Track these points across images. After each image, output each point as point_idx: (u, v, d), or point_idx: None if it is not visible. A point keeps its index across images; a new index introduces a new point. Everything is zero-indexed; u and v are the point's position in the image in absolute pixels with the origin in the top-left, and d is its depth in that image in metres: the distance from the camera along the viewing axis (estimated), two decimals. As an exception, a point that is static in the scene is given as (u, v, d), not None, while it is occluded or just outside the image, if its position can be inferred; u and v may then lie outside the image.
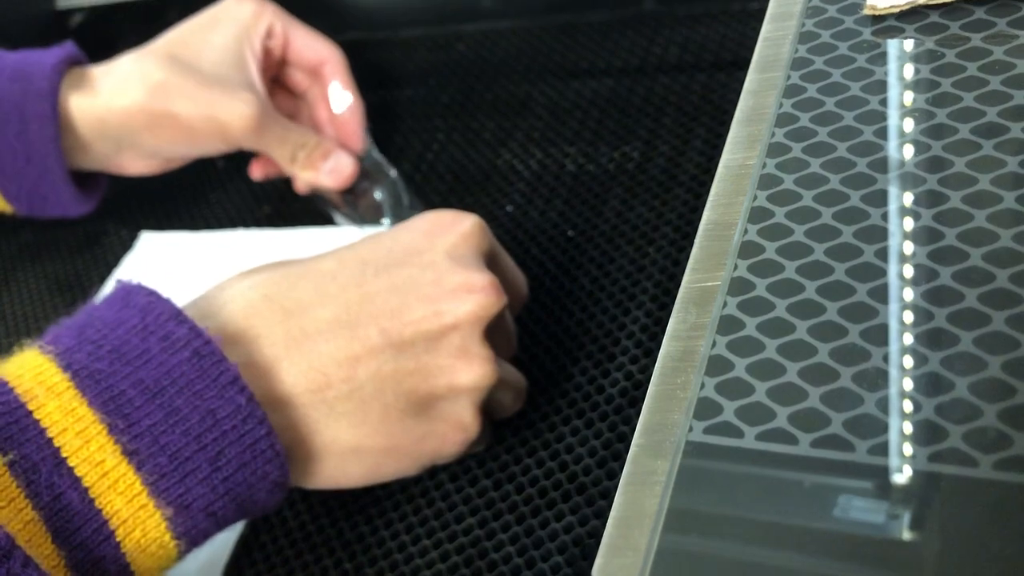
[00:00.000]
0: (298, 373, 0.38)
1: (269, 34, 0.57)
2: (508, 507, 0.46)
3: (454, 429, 0.42)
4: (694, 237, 0.51)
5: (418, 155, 0.64)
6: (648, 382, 0.47)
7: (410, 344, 0.39)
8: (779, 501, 0.27)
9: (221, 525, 0.37)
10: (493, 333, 0.43)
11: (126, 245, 0.67)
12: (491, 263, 0.44)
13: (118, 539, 0.34)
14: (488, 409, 0.45)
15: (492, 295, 0.41)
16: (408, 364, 0.39)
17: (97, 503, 0.33)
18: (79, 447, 0.33)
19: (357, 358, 0.39)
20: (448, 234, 0.42)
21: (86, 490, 0.33)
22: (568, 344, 0.50)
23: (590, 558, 0.43)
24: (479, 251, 0.42)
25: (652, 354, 0.48)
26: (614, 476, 0.45)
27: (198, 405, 0.35)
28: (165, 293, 0.39)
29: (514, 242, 0.56)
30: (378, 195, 0.59)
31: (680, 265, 0.51)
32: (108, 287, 0.64)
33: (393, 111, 0.63)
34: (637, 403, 0.47)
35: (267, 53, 0.58)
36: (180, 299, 0.39)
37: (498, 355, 0.43)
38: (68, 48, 0.58)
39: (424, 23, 0.73)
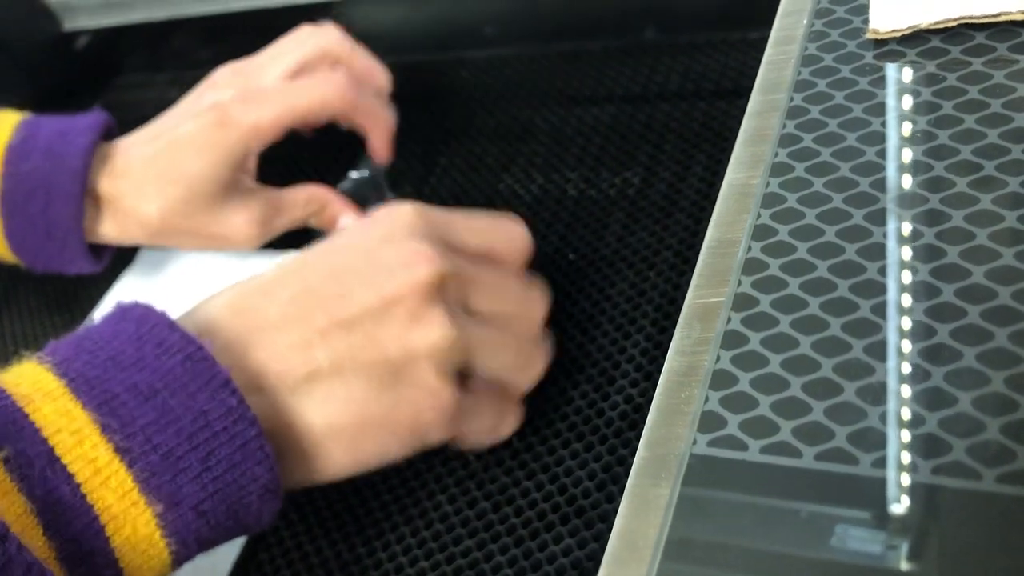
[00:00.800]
0: (259, 366, 0.40)
1: (263, 133, 0.57)
2: (507, 530, 0.46)
3: (424, 396, 0.41)
4: (695, 261, 0.52)
5: (420, 179, 0.64)
6: (649, 406, 0.47)
7: (357, 322, 0.40)
8: (782, 518, 0.27)
9: (213, 529, 0.37)
10: (493, 296, 0.45)
11: (126, 261, 0.68)
12: (448, 236, 0.45)
13: (108, 534, 0.34)
14: (506, 385, 0.46)
15: (429, 262, 0.41)
16: (359, 339, 0.40)
17: (89, 499, 0.34)
18: (72, 445, 0.34)
19: (309, 343, 0.40)
20: (380, 224, 0.44)
21: (78, 486, 0.34)
22: (568, 367, 0.50)
23: (589, 580, 0.43)
24: (416, 231, 0.43)
25: (653, 377, 0.48)
26: (613, 500, 0.45)
27: (190, 406, 0.36)
28: (160, 308, 0.40)
29: (515, 266, 0.56)
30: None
31: (681, 289, 0.51)
32: (107, 302, 0.64)
33: (395, 135, 0.63)
34: (637, 427, 0.47)
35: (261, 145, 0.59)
36: (174, 315, 0.41)
37: (509, 312, 0.45)
38: (101, 120, 0.59)
39: (427, 49, 0.74)
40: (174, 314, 0.40)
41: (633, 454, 0.45)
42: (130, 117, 0.64)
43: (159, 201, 0.57)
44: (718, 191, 0.54)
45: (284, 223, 0.59)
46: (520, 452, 0.48)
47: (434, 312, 0.41)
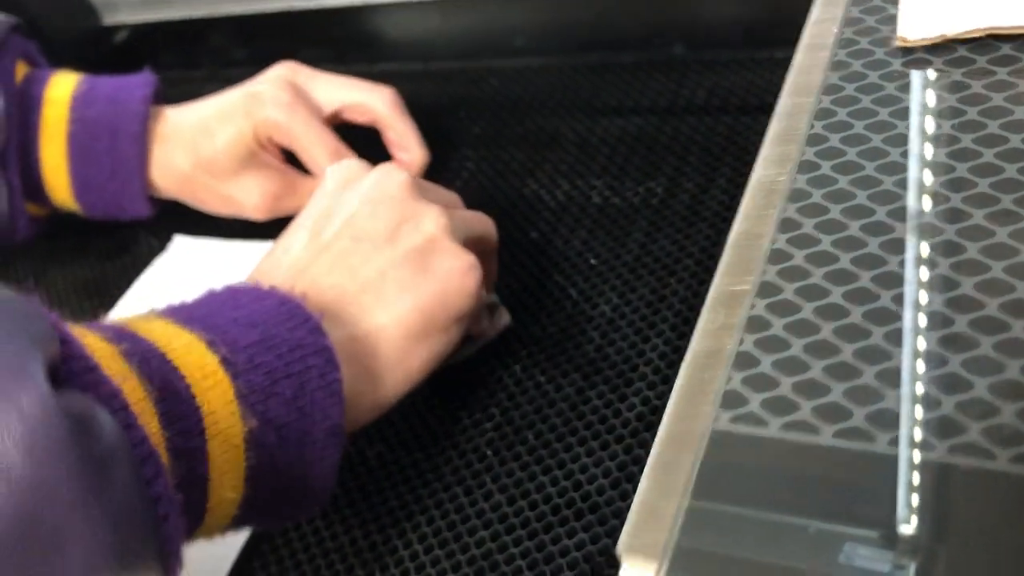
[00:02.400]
0: (318, 302, 0.43)
1: (274, 130, 0.62)
2: (521, 523, 0.46)
3: (454, 263, 0.46)
4: (715, 270, 0.52)
5: (447, 183, 0.65)
6: (665, 408, 0.48)
7: (381, 241, 0.46)
8: (801, 486, 0.27)
9: (284, 455, 0.40)
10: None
11: (155, 252, 0.69)
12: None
13: (207, 436, 0.37)
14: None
15: (391, 171, 0.48)
16: (388, 249, 0.45)
17: (198, 399, 0.37)
18: (183, 353, 0.37)
19: (352, 267, 0.45)
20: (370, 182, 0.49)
21: (189, 386, 0.37)
22: (587, 369, 0.51)
23: (600, 575, 0.43)
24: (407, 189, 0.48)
25: (670, 381, 0.49)
26: (627, 498, 0.45)
27: (288, 338, 0.39)
28: (192, 296, 0.43)
29: (537, 268, 0.57)
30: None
31: (701, 297, 0.52)
32: (137, 287, 0.66)
33: (424, 140, 0.64)
34: (654, 428, 0.47)
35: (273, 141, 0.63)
36: None
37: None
38: (154, 78, 0.65)
39: (457, 57, 0.75)
40: None
41: (649, 455, 0.46)
42: (166, 111, 0.66)
43: (193, 155, 0.63)
44: (740, 203, 0.56)
45: (294, 205, 0.63)
46: (537, 448, 0.49)
47: (427, 202, 0.47)
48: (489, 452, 0.50)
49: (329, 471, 0.42)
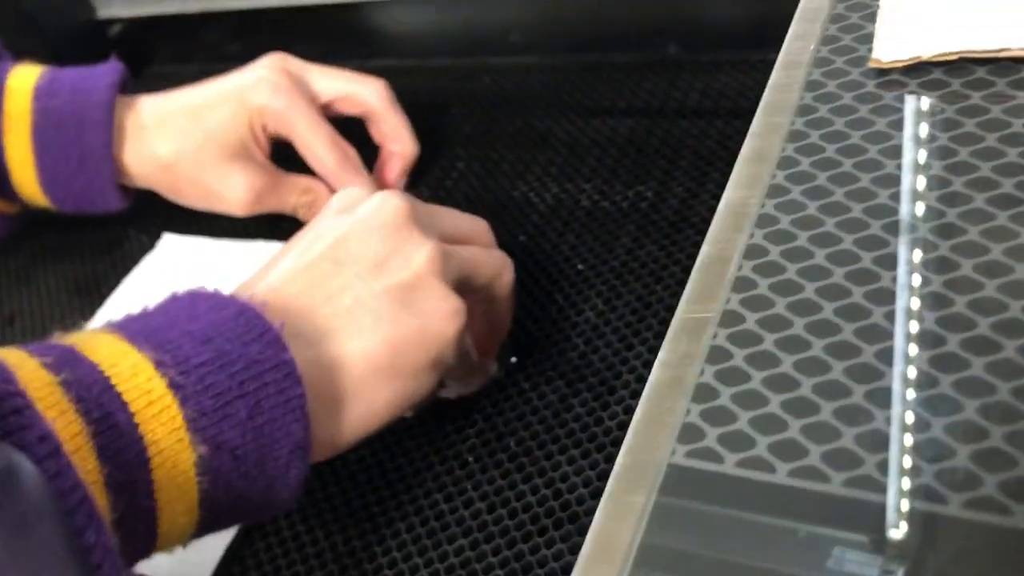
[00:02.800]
0: (293, 321, 0.41)
1: (271, 117, 0.61)
2: (500, 531, 0.46)
3: (438, 306, 0.44)
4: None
5: (437, 181, 0.65)
6: (646, 417, 0.48)
7: (368, 268, 0.44)
8: (755, 524, 0.27)
9: (242, 477, 0.38)
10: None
11: (145, 249, 0.69)
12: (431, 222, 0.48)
13: (152, 467, 0.35)
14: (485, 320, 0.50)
15: (391, 197, 0.46)
16: (371, 277, 0.43)
17: (140, 429, 0.35)
18: (128, 376, 0.36)
19: (332, 292, 0.43)
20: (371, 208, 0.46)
21: (132, 415, 0.35)
22: (571, 376, 0.51)
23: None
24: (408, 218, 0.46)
25: (652, 389, 0.49)
26: (607, 507, 0.45)
27: (244, 354, 0.37)
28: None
29: (524, 272, 0.57)
30: None
31: (685, 305, 0.52)
32: (125, 286, 0.66)
33: (416, 136, 0.64)
34: (634, 436, 0.47)
35: (267, 131, 0.62)
36: None
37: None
38: (120, 68, 0.64)
39: (451, 54, 0.75)
40: None
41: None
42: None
43: (177, 143, 0.61)
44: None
45: (277, 203, 0.62)
46: (518, 455, 0.49)
47: (423, 236, 0.45)
48: (471, 459, 0.50)
49: (295, 484, 0.41)
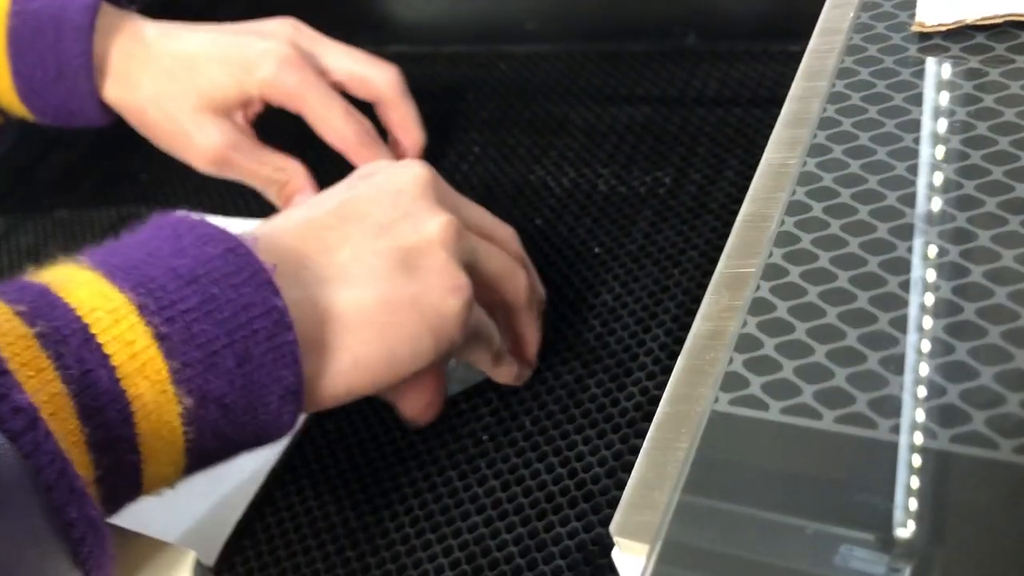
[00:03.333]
0: (288, 264, 0.39)
1: (279, 91, 0.58)
2: (514, 508, 0.46)
3: (442, 278, 0.42)
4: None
5: (453, 165, 0.65)
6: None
7: (374, 225, 0.42)
8: (799, 471, 0.27)
9: (231, 424, 0.36)
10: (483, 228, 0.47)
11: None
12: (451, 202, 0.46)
13: (135, 421, 0.33)
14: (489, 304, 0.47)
15: (414, 165, 0.45)
16: (377, 234, 0.42)
17: (123, 384, 0.33)
18: (109, 325, 0.33)
19: (332, 243, 0.41)
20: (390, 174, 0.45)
21: (114, 370, 0.33)
22: (587, 357, 0.51)
23: (592, 563, 0.43)
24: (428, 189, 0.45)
25: (670, 372, 0.48)
26: (622, 486, 0.45)
27: (233, 298, 0.35)
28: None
29: (540, 255, 0.56)
30: None
31: (704, 289, 0.51)
32: None
33: (431, 122, 0.64)
34: (652, 418, 0.47)
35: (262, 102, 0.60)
36: None
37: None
38: None
39: (467, 41, 0.75)
40: None
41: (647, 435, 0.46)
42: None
43: (161, 85, 0.58)
44: (759, 164, 0.55)
45: (246, 168, 0.59)
46: (533, 435, 0.48)
47: (440, 208, 0.43)
48: (485, 437, 0.49)
49: (287, 426, 0.38)
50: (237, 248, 0.36)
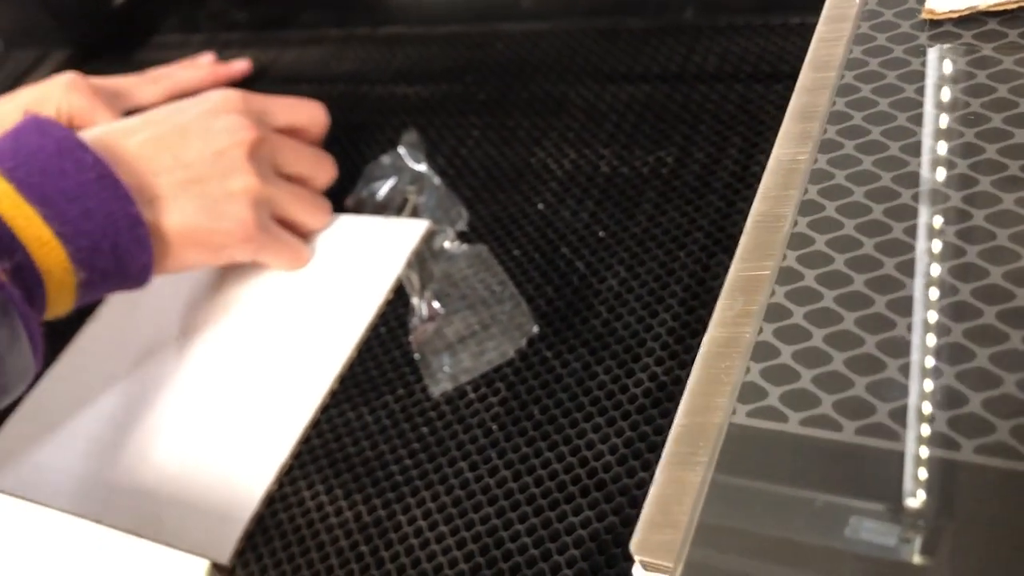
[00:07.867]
0: (132, 186, 0.53)
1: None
2: (526, 499, 0.46)
3: (235, 223, 0.56)
4: (726, 243, 0.51)
5: (452, 150, 0.64)
6: (673, 384, 0.47)
7: (192, 164, 0.55)
8: (821, 481, 0.27)
9: (107, 281, 0.52)
10: (292, 158, 0.60)
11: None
12: (262, 114, 0.60)
13: (45, 284, 0.50)
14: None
15: (248, 129, 0.57)
16: (191, 177, 0.55)
17: (37, 263, 0.49)
18: (25, 226, 0.49)
19: (157, 173, 0.55)
20: (211, 101, 0.58)
21: (30, 254, 0.49)
22: (594, 344, 0.50)
23: (606, 553, 0.43)
24: (239, 107, 0.58)
25: (678, 356, 0.48)
26: (634, 474, 0.45)
27: (105, 211, 0.51)
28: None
29: (543, 240, 0.56)
30: (418, 199, 0.60)
31: (710, 270, 0.51)
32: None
33: (429, 106, 0.63)
34: (660, 404, 0.47)
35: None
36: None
37: (304, 173, 0.61)
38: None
39: (463, 20, 0.73)
40: None
41: (655, 431, 0.45)
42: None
43: None
44: (752, 173, 0.54)
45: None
46: (543, 424, 0.48)
47: (248, 165, 0.56)
48: (495, 427, 0.49)
49: (144, 279, 0.55)
50: (104, 172, 0.51)
